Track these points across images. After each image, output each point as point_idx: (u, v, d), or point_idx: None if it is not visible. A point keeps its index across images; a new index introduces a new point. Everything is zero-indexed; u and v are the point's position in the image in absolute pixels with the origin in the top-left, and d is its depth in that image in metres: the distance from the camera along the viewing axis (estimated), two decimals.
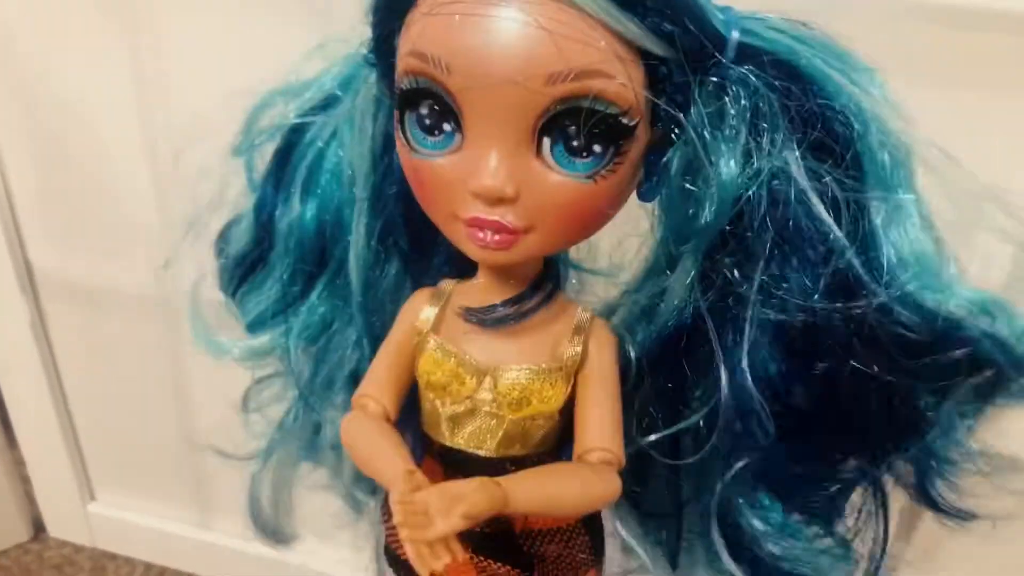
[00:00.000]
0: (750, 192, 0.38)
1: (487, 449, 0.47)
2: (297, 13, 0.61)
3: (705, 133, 0.38)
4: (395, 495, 0.36)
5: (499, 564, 0.49)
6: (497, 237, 0.39)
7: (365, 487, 0.63)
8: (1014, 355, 0.43)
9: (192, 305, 0.59)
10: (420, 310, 0.47)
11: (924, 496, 0.49)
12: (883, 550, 0.50)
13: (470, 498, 0.35)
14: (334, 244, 0.51)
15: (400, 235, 0.50)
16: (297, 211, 0.50)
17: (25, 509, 1.04)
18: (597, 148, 0.37)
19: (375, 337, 0.51)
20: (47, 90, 0.74)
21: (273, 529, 0.65)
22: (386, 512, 0.52)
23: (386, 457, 0.40)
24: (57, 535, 1.06)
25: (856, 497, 0.49)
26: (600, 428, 0.45)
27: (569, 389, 0.45)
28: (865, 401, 0.43)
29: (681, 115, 0.38)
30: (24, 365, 0.91)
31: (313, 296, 0.53)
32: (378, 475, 0.41)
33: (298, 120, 0.50)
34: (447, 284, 0.48)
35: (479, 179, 0.37)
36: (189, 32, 0.68)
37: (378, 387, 0.46)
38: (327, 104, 0.50)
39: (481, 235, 0.39)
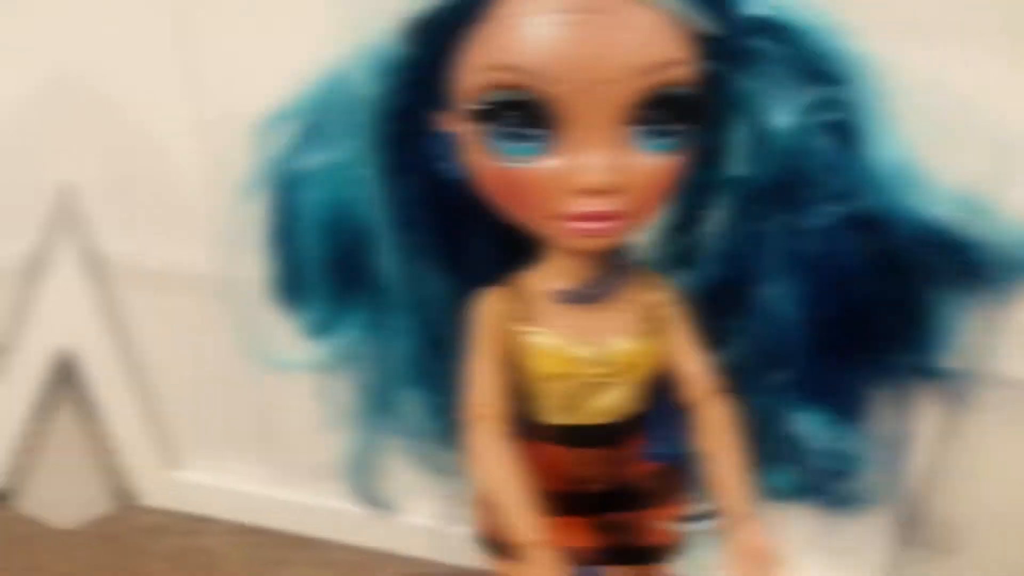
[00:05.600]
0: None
1: (612, 416, 0.49)
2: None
3: (753, 94, 0.43)
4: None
5: (620, 513, 0.54)
6: (606, 225, 0.41)
7: (448, 449, 0.66)
8: (993, 254, 0.47)
9: (245, 324, 0.59)
10: (503, 310, 0.48)
11: (954, 393, 0.53)
12: (906, 440, 0.55)
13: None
14: (364, 253, 0.50)
15: (436, 242, 0.50)
16: (315, 243, 0.50)
17: (114, 479, 1.11)
18: (677, 126, 0.40)
19: (431, 329, 0.53)
20: (101, 86, 0.78)
21: (375, 496, 0.66)
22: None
23: (522, 511, 0.45)
24: (146, 503, 1.12)
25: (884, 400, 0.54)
26: (703, 368, 0.49)
27: (661, 342, 0.49)
28: (878, 307, 0.47)
29: (744, 80, 0.42)
30: (103, 347, 0.96)
31: (357, 307, 0.54)
32: (507, 518, 0.45)
33: (296, 151, 0.50)
34: (514, 279, 0.49)
35: (587, 175, 0.39)
36: (231, 27, 0.69)
37: (488, 394, 0.47)
38: (323, 125, 0.49)
39: (587, 226, 0.41)
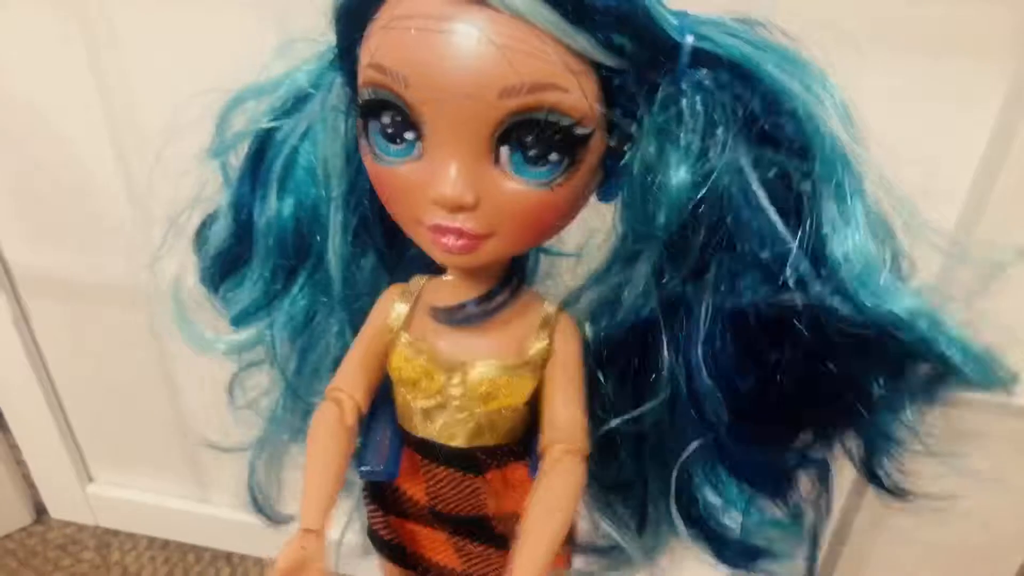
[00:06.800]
0: (702, 194, 0.39)
1: (458, 441, 0.48)
2: (253, 5, 0.62)
3: (656, 142, 0.39)
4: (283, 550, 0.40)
5: (476, 544, 0.52)
6: (459, 242, 0.40)
7: (354, 465, 0.66)
8: (946, 361, 0.43)
9: (175, 304, 0.60)
10: (391, 307, 0.48)
11: (870, 472, 0.50)
12: (824, 523, 0.52)
13: None
14: (313, 239, 0.51)
15: (374, 230, 0.51)
16: (275, 209, 0.50)
17: (25, 493, 1.08)
18: (554, 157, 0.38)
19: (357, 327, 0.52)
20: (9, 92, 0.76)
21: (270, 511, 0.67)
22: (368, 496, 0.55)
23: (310, 494, 0.43)
24: (59, 516, 1.09)
25: (804, 475, 0.50)
26: (566, 422, 0.46)
27: (536, 382, 0.46)
28: (812, 386, 0.43)
29: (635, 125, 0.39)
30: (10, 360, 0.93)
31: (295, 290, 0.54)
32: (303, 496, 0.44)
33: (271, 122, 0.50)
34: (418, 280, 0.49)
35: (438, 188, 0.38)
36: (145, 26, 0.68)
37: (351, 381, 0.48)
38: (298, 102, 0.50)
39: (444, 240, 0.40)
